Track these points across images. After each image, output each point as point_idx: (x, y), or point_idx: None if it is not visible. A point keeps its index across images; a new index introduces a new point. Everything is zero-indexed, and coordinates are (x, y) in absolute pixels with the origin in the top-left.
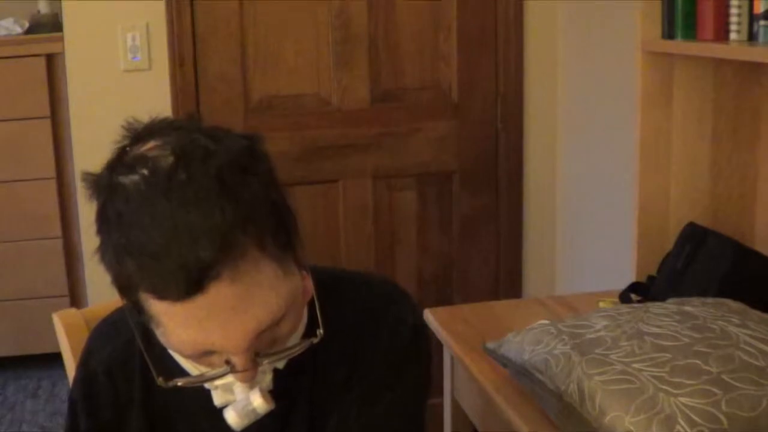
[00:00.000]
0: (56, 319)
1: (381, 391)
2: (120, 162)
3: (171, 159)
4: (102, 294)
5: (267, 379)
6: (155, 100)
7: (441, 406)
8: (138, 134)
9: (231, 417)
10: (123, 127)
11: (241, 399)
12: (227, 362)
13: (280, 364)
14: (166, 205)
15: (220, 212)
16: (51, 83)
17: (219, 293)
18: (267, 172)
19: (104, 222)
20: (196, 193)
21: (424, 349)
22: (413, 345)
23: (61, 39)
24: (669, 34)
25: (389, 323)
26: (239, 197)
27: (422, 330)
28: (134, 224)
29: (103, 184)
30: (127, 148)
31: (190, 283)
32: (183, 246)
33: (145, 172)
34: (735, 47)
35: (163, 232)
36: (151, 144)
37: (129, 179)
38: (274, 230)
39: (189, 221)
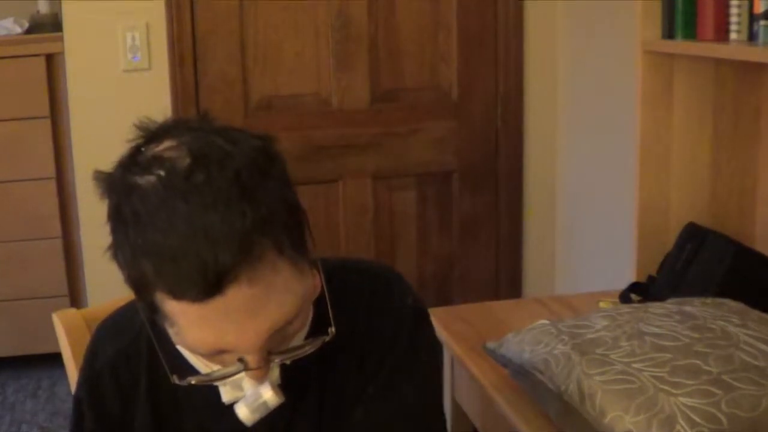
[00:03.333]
0: (56, 319)
1: (399, 375)
2: (134, 161)
3: (188, 160)
4: (102, 294)
5: (276, 372)
6: (155, 100)
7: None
8: (152, 133)
9: (242, 412)
10: (136, 125)
11: (251, 393)
12: (240, 360)
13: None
14: (184, 207)
15: (240, 216)
16: (51, 83)
17: (236, 295)
18: (282, 173)
19: (119, 221)
20: (214, 196)
21: (429, 328)
22: (418, 326)
23: (61, 39)
24: (669, 34)
25: (393, 308)
26: (258, 200)
27: (423, 309)
28: (151, 225)
29: (117, 184)
30: (142, 148)
31: (208, 286)
32: (202, 249)
33: (162, 173)
34: (735, 47)
35: (181, 234)
36: (166, 144)
37: (145, 180)
38: (291, 232)
39: (208, 224)
